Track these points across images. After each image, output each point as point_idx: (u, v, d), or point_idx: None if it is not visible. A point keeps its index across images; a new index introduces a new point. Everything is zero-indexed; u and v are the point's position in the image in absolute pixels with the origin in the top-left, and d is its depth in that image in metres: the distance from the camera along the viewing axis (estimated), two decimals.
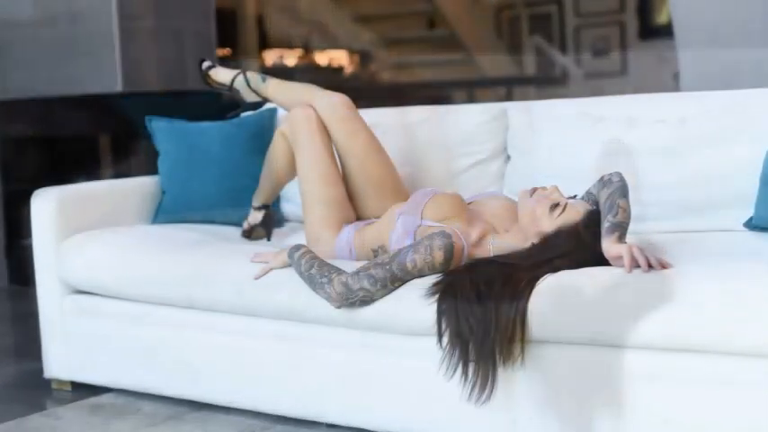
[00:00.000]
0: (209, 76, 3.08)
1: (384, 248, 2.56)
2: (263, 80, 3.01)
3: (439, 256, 2.29)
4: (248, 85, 3.02)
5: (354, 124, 2.82)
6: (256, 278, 2.55)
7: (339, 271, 2.38)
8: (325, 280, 2.37)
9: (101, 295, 2.97)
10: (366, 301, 2.34)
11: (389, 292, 2.32)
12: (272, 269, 2.55)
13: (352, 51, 10.20)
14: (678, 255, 2.23)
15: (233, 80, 3.04)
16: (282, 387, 2.59)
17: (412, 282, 2.31)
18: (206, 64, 3.11)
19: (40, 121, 4.94)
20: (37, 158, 5.18)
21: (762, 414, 1.94)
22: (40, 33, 4.87)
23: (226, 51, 8.28)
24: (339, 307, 2.38)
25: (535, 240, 2.27)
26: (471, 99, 9.12)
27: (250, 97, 3.03)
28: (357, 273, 2.34)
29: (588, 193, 2.39)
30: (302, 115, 2.82)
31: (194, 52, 4.91)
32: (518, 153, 3.01)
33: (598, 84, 9.06)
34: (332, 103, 2.82)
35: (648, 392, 2.05)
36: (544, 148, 2.92)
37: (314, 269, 2.40)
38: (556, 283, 2.15)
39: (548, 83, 9.62)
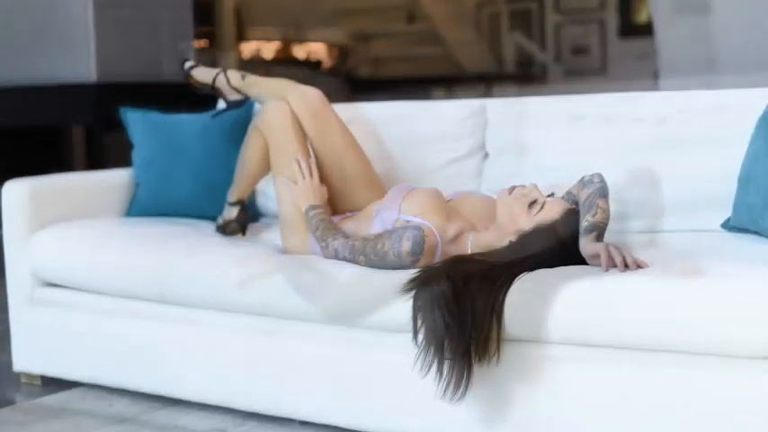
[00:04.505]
0: (191, 77, 3.11)
1: None
2: (243, 78, 3.04)
3: (407, 245, 2.31)
4: (229, 83, 3.04)
5: (327, 119, 2.83)
6: (240, 283, 2.54)
7: (335, 236, 2.52)
8: (324, 244, 2.55)
9: (72, 288, 2.95)
10: (352, 262, 2.45)
11: (371, 265, 2.40)
12: (259, 276, 2.55)
13: (330, 45, 10.20)
14: (654, 255, 2.25)
15: (214, 79, 3.07)
16: (256, 383, 2.59)
17: (387, 277, 2.32)
18: (188, 64, 3.13)
19: (11, 110, 4.90)
20: (7, 149, 5.15)
21: (739, 416, 1.96)
22: (12, 19, 4.83)
23: (203, 42, 8.26)
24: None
25: (513, 238, 2.29)
26: (450, 95, 9.16)
27: (232, 96, 3.07)
28: (346, 242, 2.47)
29: (568, 193, 2.40)
30: (276, 109, 2.83)
31: (171, 42, 4.89)
32: (496, 150, 3.02)
33: (577, 81, 9.11)
34: (304, 98, 2.83)
35: (622, 392, 2.07)
36: (523, 146, 2.93)
37: (318, 231, 2.58)
38: (532, 281, 2.16)
39: (527, 80, 9.66)
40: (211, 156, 3.26)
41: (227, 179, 3.13)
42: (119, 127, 3.49)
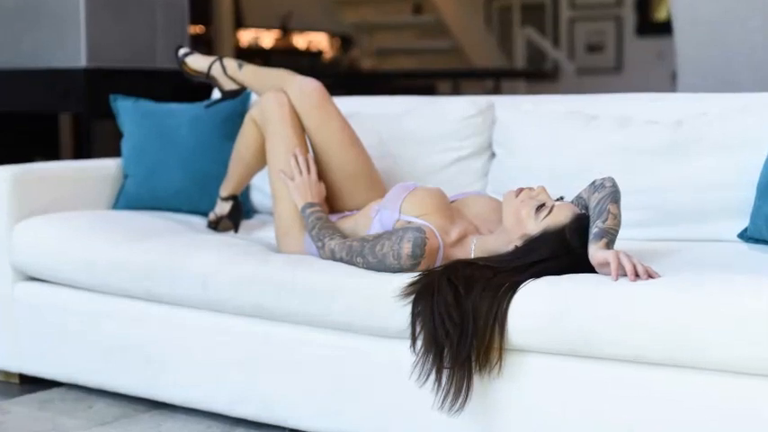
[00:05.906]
0: (185, 64, 3.10)
1: None
2: (240, 67, 3.03)
3: (407, 248, 2.30)
4: (225, 72, 3.03)
5: (327, 112, 2.83)
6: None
7: (332, 236, 2.53)
8: (320, 244, 2.55)
9: (55, 283, 2.95)
10: (350, 264, 2.45)
11: (369, 267, 2.38)
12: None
13: (332, 35, 10.19)
14: (666, 264, 2.24)
15: (210, 67, 3.06)
16: (245, 388, 2.58)
17: (386, 280, 2.32)
18: (182, 51, 3.12)
19: None
20: None
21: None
22: None
23: (199, 29, 8.26)
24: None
25: (519, 243, 2.28)
26: (457, 91, 9.16)
27: (228, 85, 3.05)
28: (344, 242, 2.46)
29: (578, 197, 2.39)
30: (274, 100, 2.83)
31: (165, 28, 4.88)
32: (504, 150, 3.01)
33: (591, 80, 9.11)
34: (304, 89, 2.83)
35: (628, 405, 2.07)
36: (532, 147, 2.92)
37: (315, 230, 2.59)
38: (538, 289, 2.16)
39: (538, 77, 9.66)
40: (204, 148, 3.26)
41: (220, 173, 3.13)
42: (109, 115, 3.49)
